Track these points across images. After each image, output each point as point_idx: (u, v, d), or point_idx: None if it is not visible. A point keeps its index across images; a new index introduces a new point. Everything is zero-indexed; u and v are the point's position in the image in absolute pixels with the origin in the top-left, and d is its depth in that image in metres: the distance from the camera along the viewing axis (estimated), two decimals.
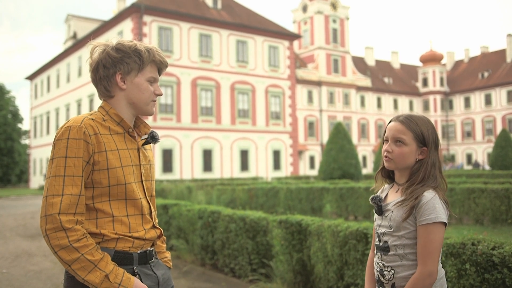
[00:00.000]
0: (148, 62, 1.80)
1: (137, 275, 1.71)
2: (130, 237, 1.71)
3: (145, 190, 1.83)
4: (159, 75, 1.88)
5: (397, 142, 1.87)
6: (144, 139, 1.88)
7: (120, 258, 1.68)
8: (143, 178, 1.82)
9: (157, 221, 1.98)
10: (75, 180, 1.62)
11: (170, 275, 1.92)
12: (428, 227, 1.75)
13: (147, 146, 1.92)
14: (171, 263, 1.98)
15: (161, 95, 1.87)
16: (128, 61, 1.77)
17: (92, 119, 1.72)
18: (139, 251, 1.74)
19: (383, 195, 1.95)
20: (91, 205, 1.68)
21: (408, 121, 1.87)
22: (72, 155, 1.62)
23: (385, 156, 1.90)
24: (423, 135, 1.86)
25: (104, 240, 1.67)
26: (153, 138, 1.88)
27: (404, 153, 1.85)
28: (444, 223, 1.77)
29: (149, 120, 28.26)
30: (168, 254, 1.98)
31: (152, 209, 1.85)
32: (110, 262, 1.62)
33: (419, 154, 1.86)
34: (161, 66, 1.87)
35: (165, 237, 2.02)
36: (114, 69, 1.77)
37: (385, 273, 1.86)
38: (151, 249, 1.80)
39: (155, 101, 1.86)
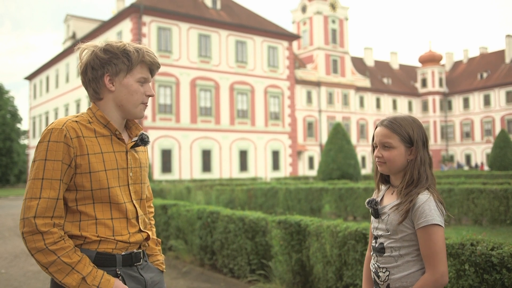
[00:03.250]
0: (138, 63, 1.76)
1: (120, 277, 1.67)
2: (113, 240, 1.68)
3: (132, 193, 1.78)
4: (152, 76, 1.84)
5: (385, 146, 1.87)
6: (134, 141, 1.83)
7: (102, 260, 1.66)
8: (130, 182, 1.78)
9: (153, 221, 1.95)
10: (53, 184, 1.60)
11: (162, 278, 1.88)
12: (427, 229, 1.74)
13: (139, 148, 1.88)
14: (163, 266, 1.94)
15: (152, 96, 1.83)
16: (116, 62, 1.73)
17: (76, 121, 1.69)
18: (123, 253, 1.71)
19: (379, 198, 1.95)
20: (74, 208, 1.66)
21: (392, 124, 1.87)
22: (51, 158, 1.61)
23: (377, 161, 1.91)
24: (409, 136, 1.85)
25: (86, 242, 1.65)
26: (142, 141, 1.84)
27: (393, 156, 1.85)
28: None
29: (148, 120, 28.27)
30: (161, 257, 1.94)
31: (139, 213, 1.79)
32: (89, 264, 1.60)
33: (409, 155, 1.86)
34: (152, 67, 1.82)
35: (159, 240, 1.98)
36: (102, 71, 1.73)
37: (380, 274, 1.87)
38: (137, 251, 1.76)
39: (146, 103, 1.82)
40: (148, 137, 1.87)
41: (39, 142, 1.65)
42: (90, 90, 1.77)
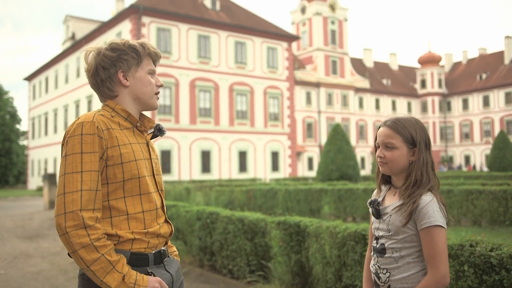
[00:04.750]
0: (144, 56, 1.83)
1: (152, 275, 1.70)
2: (145, 234, 1.71)
3: (157, 184, 1.85)
4: (155, 66, 1.91)
5: (387, 147, 1.88)
6: (151, 133, 1.89)
7: (136, 260, 1.68)
8: (155, 172, 1.84)
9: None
10: (92, 175, 1.61)
11: (180, 268, 1.93)
12: (429, 230, 1.75)
13: (151, 141, 1.94)
14: (178, 257, 2.00)
15: (162, 85, 1.90)
16: (126, 58, 1.79)
17: (102, 115, 1.73)
18: (154, 251, 1.74)
19: (380, 198, 1.96)
20: (105, 203, 1.67)
21: (395, 125, 1.88)
22: (87, 150, 1.62)
23: (379, 161, 1.92)
24: (412, 137, 1.86)
25: (120, 242, 1.66)
26: (160, 131, 1.90)
27: (396, 157, 1.86)
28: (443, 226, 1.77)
29: None
30: (175, 248, 2.01)
31: (164, 203, 1.87)
32: (126, 264, 1.62)
33: (411, 156, 1.87)
34: (155, 58, 1.89)
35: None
36: (115, 68, 1.78)
37: (381, 275, 1.87)
38: (164, 248, 1.82)
39: (158, 93, 1.89)
40: (164, 126, 1.93)
41: (69, 137, 1.64)
42: (103, 90, 1.80)
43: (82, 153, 1.62)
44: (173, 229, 1.89)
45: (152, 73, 1.86)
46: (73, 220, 1.55)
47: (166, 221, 1.85)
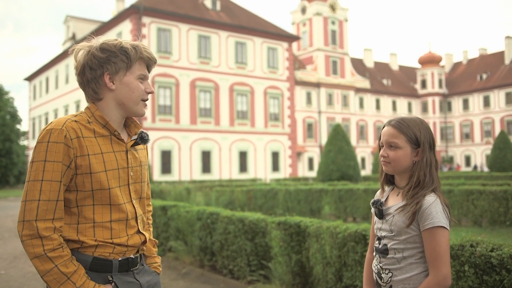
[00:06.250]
0: (136, 60, 1.74)
1: (112, 283, 1.66)
2: (111, 243, 1.66)
3: (132, 193, 1.76)
4: (149, 71, 1.82)
5: (391, 146, 1.87)
6: (133, 140, 1.81)
7: (98, 265, 1.64)
8: (131, 181, 1.76)
9: (151, 221, 1.93)
10: (52, 185, 1.57)
11: (159, 280, 1.87)
12: (432, 230, 1.74)
13: (139, 146, 1.85)
14: (160, 269, 1.92)
15: (152, 92, 1.81)
16: (115, 61, 1.71)
17: (75, 121, 1.66)
18: (120, 258, 1.69)
19: (383, 199, 1.95)
20: (74, 209, 1.64)
21: (400, 125, 1.87)
22: (51, 159, 1.57)
23: (382, 161, 1.91)
24: (416, 137, 1.85)
25: (83, 246, 1.63)
26: (142, 139, 1.82)
27: (399, 156, 1.85)
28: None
29: (147, 121, 28.27)
30: (158, 260, 1.93)
31: (139, 213, 1.78)
32: (83, 275, 1.58)
33: (415, 156, 1.86)
34: (149, 63, 1.80)
35: (156, 241, 1.97)
36: (102, 70, 1.71)
37: (383, 275, 1.86)
38: (134, 256, 1.74)
39: (146, 100, 1.79)
40: (147, 135, 1.85)
41: (37, 143, 1.60)
42: (89, 91, 1.73)
43: (45, 161, 1.57)
44: (146, 239, 1.80)
45: (143, 78, 1.77)
46: (28, 230, 1.54)
47: (138, 231, 1.75)
